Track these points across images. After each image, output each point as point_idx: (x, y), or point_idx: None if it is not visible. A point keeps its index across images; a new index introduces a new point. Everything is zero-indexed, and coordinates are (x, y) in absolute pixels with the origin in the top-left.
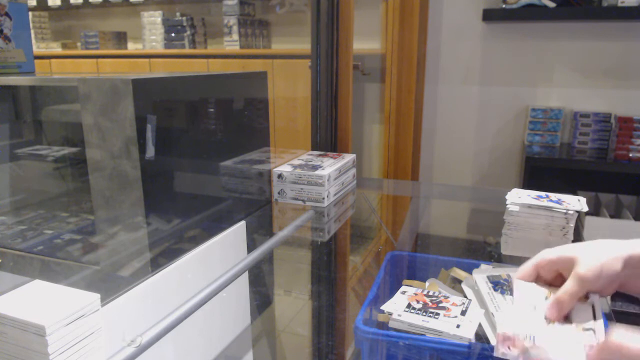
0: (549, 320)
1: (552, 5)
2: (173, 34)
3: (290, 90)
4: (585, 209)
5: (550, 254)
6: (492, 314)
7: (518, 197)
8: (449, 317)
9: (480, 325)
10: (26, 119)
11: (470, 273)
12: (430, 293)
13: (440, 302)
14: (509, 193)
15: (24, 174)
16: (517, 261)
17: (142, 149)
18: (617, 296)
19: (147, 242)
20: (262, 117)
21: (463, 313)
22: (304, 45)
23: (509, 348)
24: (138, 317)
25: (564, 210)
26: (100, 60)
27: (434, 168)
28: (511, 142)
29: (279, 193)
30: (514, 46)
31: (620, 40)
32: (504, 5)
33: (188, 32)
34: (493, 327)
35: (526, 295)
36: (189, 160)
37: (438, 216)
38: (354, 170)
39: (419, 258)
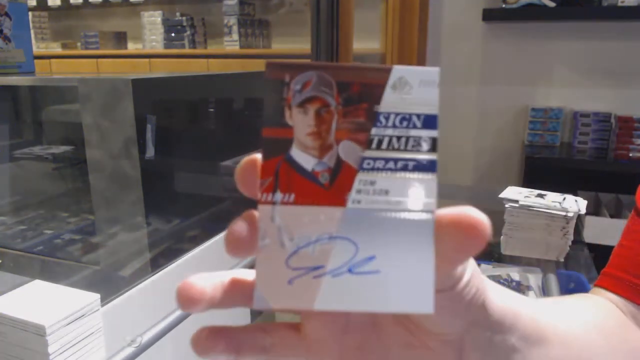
0: None
1: (552, 4)
2: (173, 34)
3: None
4: (584, 211)
5: None
6: None
7: (516, 196)
8: None
9: None
10: (26, 119)
11: None
12: None
13: None
14: (504, 191)
15: (24, 174)
16: (517, 261)
17: (142, 149)
18: None
19: (147, 242)
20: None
21: None
22: (304, 45)
23: None
24: (138, 317)
25: (564, 212)
26: (100, 60)
27: None
28: (511, 142)
29: None
30: (514, 46)
31: (620, 40)
32: (504, 5)
33: (188, 32)
34: None
35: None
36: (189, 161)
37: None
38: None
39: None
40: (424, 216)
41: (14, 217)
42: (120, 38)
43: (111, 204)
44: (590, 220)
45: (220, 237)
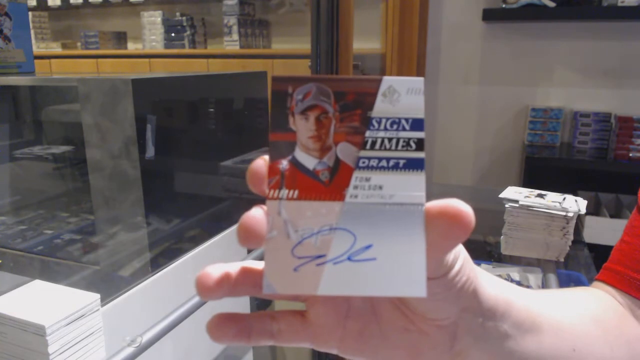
0: None
1: (552, 5)
2: (173, 34)
3: None
4: (584, 211)
5: None
6: None
7: (516, 196)
8: None
9: None
10: (26, 119)
11: None
12: None
13: None
14: (504, 191)
15: (24, 174)
16: (517, 261)
17: (142, 149)
18: None
19: (147, 242)
20: (262, 117)
21: None
22: (304, 45)
23: None
24: (138, 317)
25: (564, 212)
26: (100, 60)
27: (433, 168)
28: (511, 142)
29: None
30: (514, 46)
31: (620, 40)
32: (504, 5)
33: (188, 32)
34: None
35: None
36: (189, 160)
37: None
38: None
39: None
40: (415, 208)
41: (14, 217)
42: (120, 38)
43: (111, 204)
44: (590, 220)
45: (220, 237)
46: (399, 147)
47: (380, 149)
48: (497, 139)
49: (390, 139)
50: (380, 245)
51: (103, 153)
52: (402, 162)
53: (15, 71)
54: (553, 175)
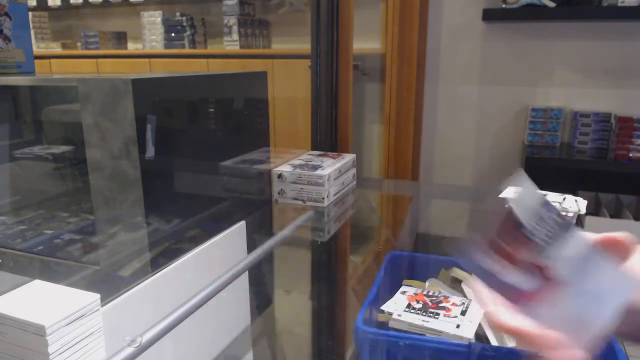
0: None
1: (552, 5)
2: (173, 34)
3: (290, 90)
4: (584, 211)
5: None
6: None
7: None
8: (449, 317)
9: (480, 325)
10: (26, 119)
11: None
12: (430, 293)
13: (440, 302)
14: (504, 192)
15: (24, 174)
16: None
17: (142, 149)
18: None
19: (147, 242)
20: (262, 117)
21: (463, 313)
22: (304, 45)
23: None
24: (138, 317)
25: (564, 213)
26: (100, 60)
27: (434, 168)
28: (511, 142)
29: (279, 193)
30: (514, 46)
31: (620, 40)
32: (504, 5)
33: (188, 32)
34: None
35: None
36: (189, 160)
37: (438, 216)
38: (354, 170)
39: (419, 258)
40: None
41: (14, 217)
42: (120, 38)
43: (111, 204)
44: (590, 220)
45: (220, 237)
46: None
47: None
48: (497, 139)
49: None
50: None
51: (103, 153)
52: None
53: (15, 71)
54: (553, 175)
